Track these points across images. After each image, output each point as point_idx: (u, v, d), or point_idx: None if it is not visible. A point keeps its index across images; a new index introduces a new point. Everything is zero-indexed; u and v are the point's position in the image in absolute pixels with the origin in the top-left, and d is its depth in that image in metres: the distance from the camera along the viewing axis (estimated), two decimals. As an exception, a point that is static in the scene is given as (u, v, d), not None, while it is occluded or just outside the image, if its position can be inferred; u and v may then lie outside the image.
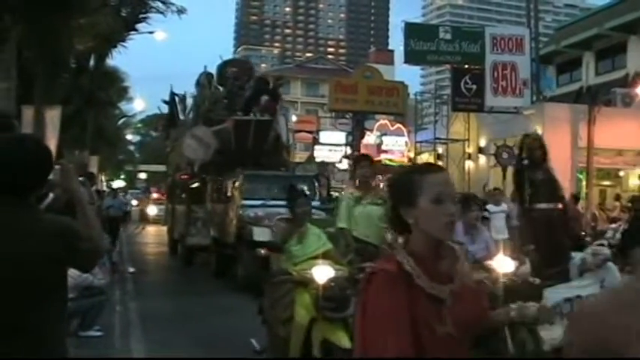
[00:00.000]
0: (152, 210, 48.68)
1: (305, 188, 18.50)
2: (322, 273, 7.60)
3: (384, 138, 37.63)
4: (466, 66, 29.90)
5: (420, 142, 36.35)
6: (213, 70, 24.45)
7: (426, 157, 35.87)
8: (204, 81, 23.32)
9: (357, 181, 9.37)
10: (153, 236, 35.69)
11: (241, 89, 22.54)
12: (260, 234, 16.06)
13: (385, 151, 37.07)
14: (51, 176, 3.62)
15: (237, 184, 18.78)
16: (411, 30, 30.72)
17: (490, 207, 18.33)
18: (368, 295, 2.91)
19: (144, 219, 47.07)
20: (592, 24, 44.57)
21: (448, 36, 29.96)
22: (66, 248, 3.30)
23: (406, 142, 38.15)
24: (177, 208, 25.12)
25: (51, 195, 4.24)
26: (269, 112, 21.00)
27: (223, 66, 24.76)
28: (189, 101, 26.12)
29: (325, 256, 8.05)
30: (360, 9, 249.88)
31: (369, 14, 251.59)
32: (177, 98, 27.03)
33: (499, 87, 29.12)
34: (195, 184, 22.91)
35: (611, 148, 28.97)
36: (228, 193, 19.37)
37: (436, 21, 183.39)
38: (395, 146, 38.15)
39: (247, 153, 19.96)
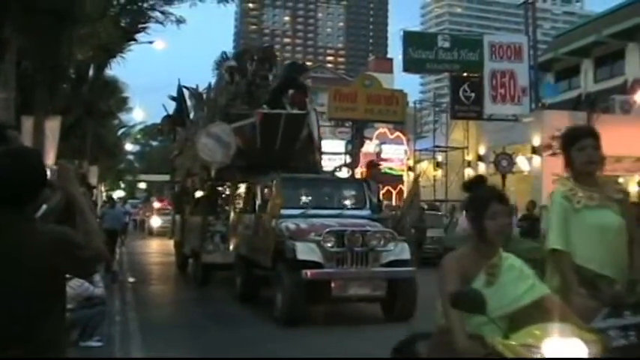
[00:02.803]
0: (156, 221, 45.94)
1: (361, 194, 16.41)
2: (568, 354, 3.80)
3: (383, 146, 37.66)
4: (465, 74, 30.01)
5: (420, 150, 36.38)
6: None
7: (425, 165, 35.93)
8: (223, 72, 20.40)
9: (576, 171, 5.36)
10: (154, 246, 35.52)
11: (265, 79, 19.69)
12: (305, 251, 13.12)
13: (385, 160, 37.06)
14: (49, 175, 3.63)
15: (271, 189, 15.38)
16: (410, 38, 30.82)
17: None
18: None
19: (144, 231, 46.26)
20: (590, 31, 44.71)
21: (447, 44, 30.08)
22: (64, 258, 3.31)
23: (405, 151, 38.20)
24: (189, 219, 21.79)
25: (44, 206, 4.23)
26: (297, 106, 18.51)
27: (242, 54, 21.74)
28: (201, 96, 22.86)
29: (546, 308, 4.22)
30: (358, 17, 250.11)
31: (368, 23, 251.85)
32: (187, 93, 24.05)
33: (498, 95, 29.22)
34: (212, 192, 20.10)
35: (610, 155, 28.64)
36: (258, 201, 16.07)
37: (435, 29, 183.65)
38: (394, 154, 38.16)
39: (275, 154, 17.39)
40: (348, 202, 16.24)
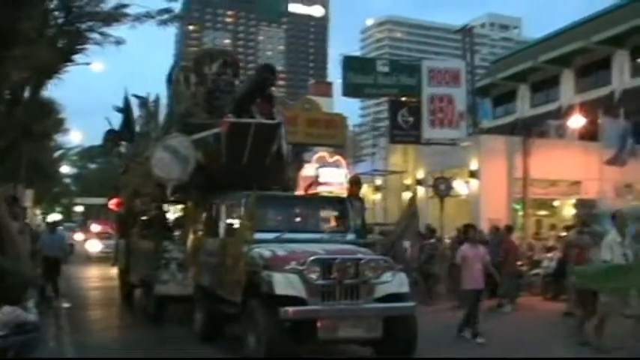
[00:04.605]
0: (95, 245, 43.26)
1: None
2: None
3: (322, 170, 37.65)
4: (403, 98, 30.18)
5: (359, 174, 36.52)
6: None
7: (364, 189, 36.07)
8: (179, 76, 17.59)
9: None
10: (93, 272, 34.76)
11: (229, 85, 17.35)
12: (284, 284, 10.90)
13: (323, 183, 37.08)
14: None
15: (240, 210, 13.08)
16: (350, 63, 30.93)
17: None
18: None
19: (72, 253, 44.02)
20: (527, 57, 45.68)
21: (386, 69, 30.26)
22: None
23: (345, 174, 38.27)
24: (137, 244, 19.43)
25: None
26: (264, 117, 16.08)
27: (201, 58, 18.64)
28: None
29: None
30: (299, 41, 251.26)
31: (308, 47, 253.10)
32: (138, 101, 21.58)
33: (436, 119, 29.45)
34: (167, 213, 18.56)
35: (545, 179, 29.54)
36: (223, 224, 13.83)
37: (375, 53, 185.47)
38: (333, 178, 38.18)
39: (242, 170, 14.72)
40: (329, 225, 14.59)
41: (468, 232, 15.81)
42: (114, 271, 24.11)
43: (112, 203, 27.67)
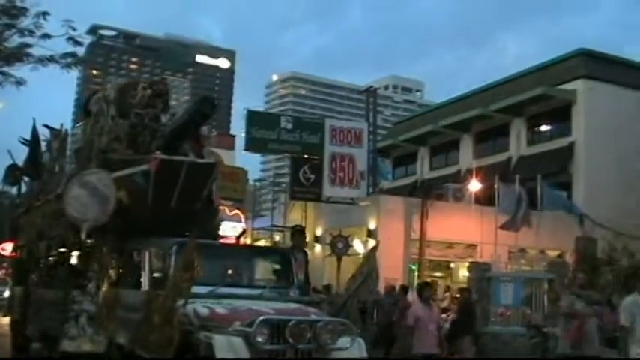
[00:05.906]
0: None
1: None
2: None
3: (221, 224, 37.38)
4: (305, 156, 30.27)
5: (258, 229, 36.35)
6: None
7: (262, 244, 35.90)
8: (96, 107, 15.41)
9: None
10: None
11: (155, 120, 14.98)
12: (226, 348, 9.40)
13: (221, 237, 36.74)
14: None
15: (172, 258, 11.36)
16: (253, 118, 30.95)
17: None
18: None
19: None
20: (428, 121, 46.63)
21: (289, 126, 30.34)
22: None
23: (243, 229, 38.08)
24: (38, 292, 16.97)
25: None
26: (195, 156, 14.30)
27: (126, 89, 15.89)
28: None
29: None
30: (204, 92, 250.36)
31: (213, 98, 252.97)
32: (50, 134, 19.56)
33: (337, 178, 29.63)
34: (78, 258, 15.10)
35: (442, 241, 29.98)
36: (145, 274, 12.16)
37: (279, 109, 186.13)
38: (232, 232, 37.84)
39: (168, 213, 13.04)
40: (270, 279, 13.17)
41: (422, 291, 14.47)
42: (5, 320, 21.68)
43: (2, 247, 26.47)
